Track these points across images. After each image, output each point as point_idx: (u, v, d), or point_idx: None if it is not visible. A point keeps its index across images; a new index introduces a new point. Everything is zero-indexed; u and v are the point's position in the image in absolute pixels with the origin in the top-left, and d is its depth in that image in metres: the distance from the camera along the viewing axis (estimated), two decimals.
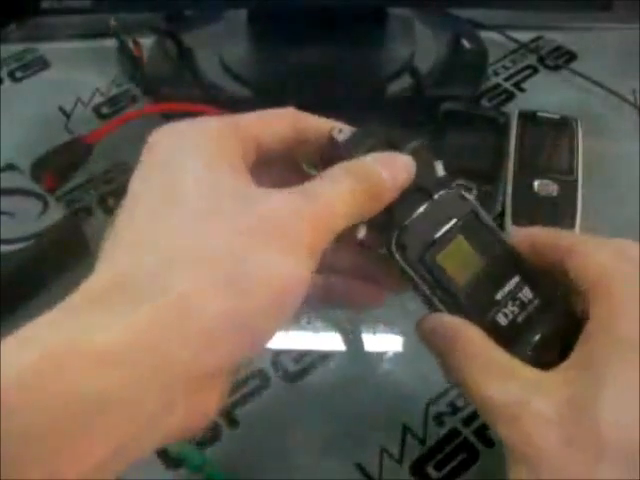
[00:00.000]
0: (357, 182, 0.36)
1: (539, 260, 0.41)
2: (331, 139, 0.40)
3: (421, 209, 0.39)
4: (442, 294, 0.39)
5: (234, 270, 0.32)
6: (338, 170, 0.37)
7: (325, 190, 0.35)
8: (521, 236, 0.42)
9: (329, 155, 0.40)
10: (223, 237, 0.33)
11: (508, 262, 0.41)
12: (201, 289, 0.31)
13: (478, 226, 0.40)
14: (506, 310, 0.40)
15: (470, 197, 0.41)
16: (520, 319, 0.40)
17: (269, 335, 0.34)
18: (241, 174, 0.36)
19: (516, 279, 0.40)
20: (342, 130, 0.40)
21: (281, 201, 0.34)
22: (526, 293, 0.40)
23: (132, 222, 0.34)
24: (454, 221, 0.40)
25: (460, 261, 0.40)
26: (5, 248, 0.57)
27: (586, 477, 0.33)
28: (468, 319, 0.39)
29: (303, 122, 0.40)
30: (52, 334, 0.30)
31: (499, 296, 0.40)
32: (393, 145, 0.40)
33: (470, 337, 0.38)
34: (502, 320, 0.40)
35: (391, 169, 0.37)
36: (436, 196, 0.39)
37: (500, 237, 0.41)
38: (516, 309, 0.40)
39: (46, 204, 0.59)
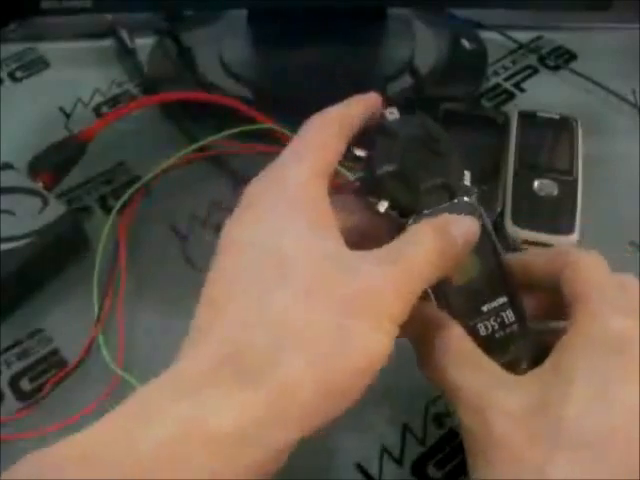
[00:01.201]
0: (442, 243, 0.38)
1: (534, 276, 0.43)
2: (382, 118, 0.43)
3: (441, 206, 0.42)
4: (436, 288, 0.41)
5: (331, 349, 0.34)
6: (423, 228, 0.39)
7: (412, 253, 0.37)
8: (518, 259, 0.44)
9: (375, 134, 0.43)
10: (327, 314, 0.34)
11: (501, 280, 0.43)
12: (301, 370, 0.33)
13: (483, 239, 0.42)
14: (488, 323, 0.42)
15: (482, 211, 0.43)
16: (498, 336, 0.42)
17: (352, 403, 0.36)
18: (335, 231, 0.37)
19: (503, 299, 0.42)
20: (392, 112, 0.44)
21: (374, 271, 0.36)
22: (509, 315, 0.42)
23: (237, 294, 0.35)
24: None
25: (459, 265, 0.41)
26: (5, 246, 0.57)
27: (542, 468, 0.34)
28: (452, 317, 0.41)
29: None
30: (176, 411, 0.32)
31: (485, 308, 0.42)
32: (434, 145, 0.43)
33: (450, 328, 0.40)
34: (482, 330, 0.42)
35: (463, 230, 0.39)
36: (456, 200, 0.42)
37: (499, 255, 0.43)
38: (496, 325, 0.42)
39: (45, 201, 0.60)
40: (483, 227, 0.42)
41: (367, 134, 0.43)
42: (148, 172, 0.66)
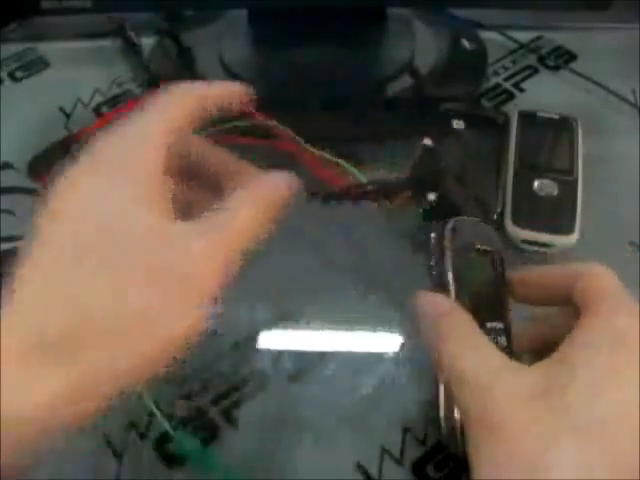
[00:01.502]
0: (261, 206, 0.40)
1: (549, 288, 0.44)
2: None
3: (483, 222, 0.47)
4: (457, 286, 0.44)
5: (138, 333, 0.35)
6: (242, 194, 0.40)
7: (232, 221, 0.39)
8: (533, 272, 0.46)
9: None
10: (136, 295, 0.35)
11: (502, 307, 0.45)
12: (111, 356, 0.34)
13: (501, 268, 0.46)
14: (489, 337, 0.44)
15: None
16: None
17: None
18: (165, 203, 0.38)
19: (500, 325, 0.44)
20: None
21: (194, 246, 0.37)
22: (502, 341, 0.43)
23: (43, 268, 0.35)
24: (495, 249, 0.46)
25: (479, 277, 0.45)
26: (6, 245, 0.57)
27: (544, 449, 0.34)
28: None
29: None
30: None
31: (488, 325, 0.43)
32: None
33: (461, 315, 0.41)
34: None
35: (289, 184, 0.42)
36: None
37: (505, 285, 0.46)
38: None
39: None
40: (502, 261, 0.45)
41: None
42: None
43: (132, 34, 0.79)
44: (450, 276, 0.44)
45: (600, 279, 0.41)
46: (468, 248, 0.45)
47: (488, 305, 0.44)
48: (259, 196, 0.40)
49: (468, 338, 0.40)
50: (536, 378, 0.37)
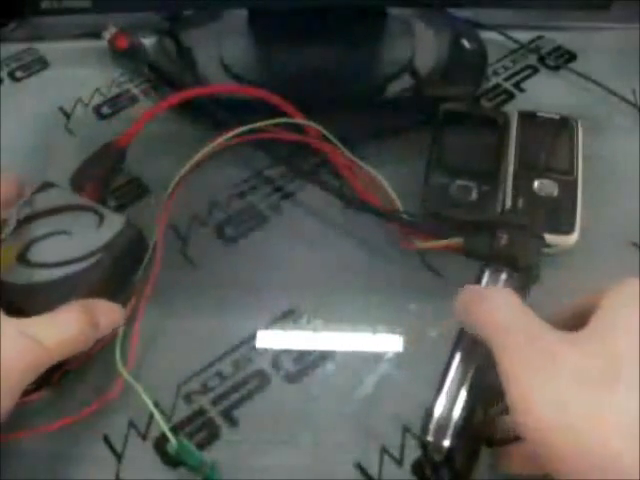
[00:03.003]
0: (84, 327, 0.47)
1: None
2: None
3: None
4: None
5: None
6: (70, 309, 0.48)
7: (52, 333, 0.45)
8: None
9: None
10: None
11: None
12: None
13: None
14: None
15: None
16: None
17: None
18: None
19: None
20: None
21: (11, 344, 0.43)
22: None
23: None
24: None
25: None
26: (74, 268, 0.54)
27: (604, 391, 0.36)
28: None
29: None
30: None
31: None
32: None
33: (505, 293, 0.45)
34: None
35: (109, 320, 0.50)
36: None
37: None
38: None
39: (100, 215, 0.57)
40: None
41: None
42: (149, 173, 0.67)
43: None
44: None
45: (617, 294, 0.42)
46: None
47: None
48: (90, 317, 0.48)
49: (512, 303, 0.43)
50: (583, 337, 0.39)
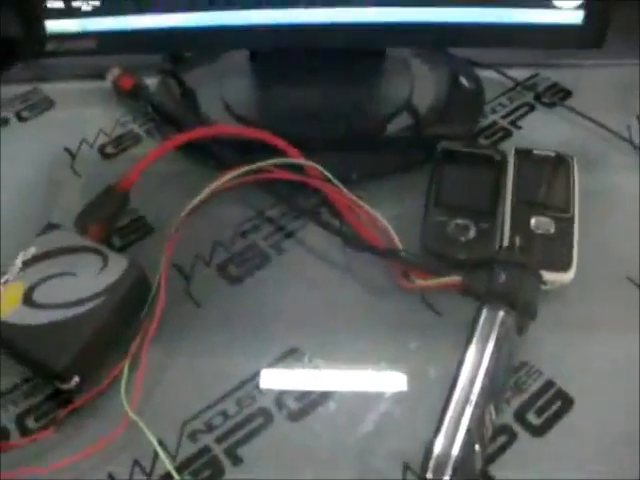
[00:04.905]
0: None
1: None
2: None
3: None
4: None
5: None
6: None
7: None
8: None
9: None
10: None
11: None
12: None
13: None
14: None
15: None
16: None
17: None
18: None
19: None
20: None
21: None
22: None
23: None
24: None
25: None
26: (78, 310, 0.56)
27: None
28: None
29: None
30: None
31: None
32: None
33: None
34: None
35: None
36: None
37: None
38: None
39: (105, 257, 0.59)
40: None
41: None
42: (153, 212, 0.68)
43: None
44: None
45: None
46: None
47: None
48: None
49: None
50: None
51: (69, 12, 0.69)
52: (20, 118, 0.82)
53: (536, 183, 0.67)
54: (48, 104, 0.83)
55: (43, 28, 0.70)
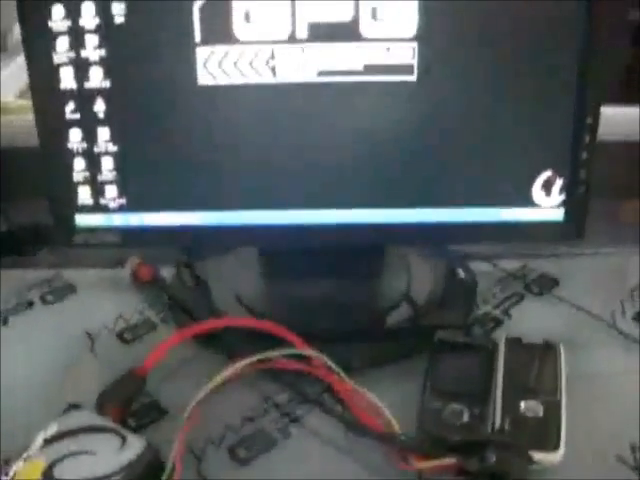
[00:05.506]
0: None
1: None
2: None
3: None
4: None
5: None
6: None
7: None
8: None
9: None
10: None
11: None
12: None
13: None
14: None
15: None
16: None
17: None
18: None
19: None
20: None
21: None
22: None
23: None
24: None
25: None
26: None
27: None
28: None
29: None
30: None
31: None
32: None
33: None
34: None
35: None
36: None
37: None
38: None
39: (123, 437, 0.62)
40: None
41: None
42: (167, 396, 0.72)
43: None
44: None
45: None
46: None
47: None
48: None
49: None
50: None
51: (97, 208, 0.74)
52: (44, 301, 0.87)
53: (525, 369, 0.70)
54: (70, 289, 0.88)
55: (73, 221, 0.75)
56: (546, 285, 0.86)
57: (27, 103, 1.11)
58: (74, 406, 0.67)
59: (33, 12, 0.68)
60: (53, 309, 0.86)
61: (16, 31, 1.29)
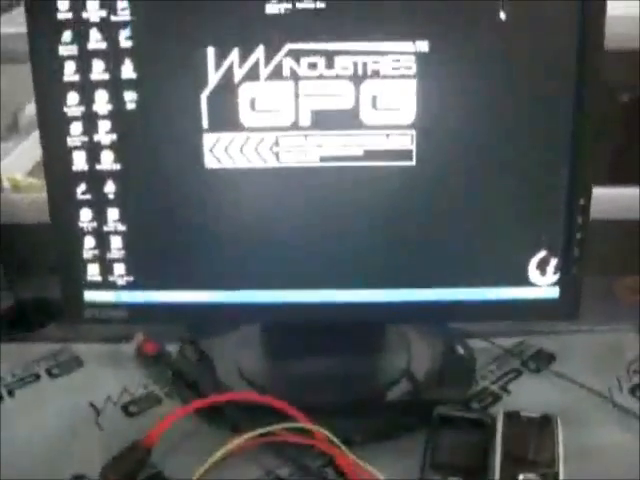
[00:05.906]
0: None
1: None
2: None
3: None
4: None
5: None
6: None
7: None
8: None
9: None
10: None
11: None
12: None
13: None
14: None
15: None
16: None
17: None
18: None
19: None
20: None
21: None
22: None
23: None
24: None
25: None
26: None
27: None
28: None
29: None
30: None
31: None
32: None
33: None
34: None
35: None
36: None
37: None
38: None
39: None
40: None
41: None
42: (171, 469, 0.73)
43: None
44: None
45: None
46: None
47: None
48: None
49: None
50: None
51: (106, 285, 0.76)
52: (51, 374, 0.88)
53: (523, 442, 0.70)
54: (77, 363, 0.90)
55: (82, 297, 0.77)
56: (543, 361, 0.87)
57: (37, 181, 1.16)
58: (79, 477, 0.68)
59: (50, 99, 0.72)
60: (59, 382, 0.87)
61: (27, 111, 1.35)
